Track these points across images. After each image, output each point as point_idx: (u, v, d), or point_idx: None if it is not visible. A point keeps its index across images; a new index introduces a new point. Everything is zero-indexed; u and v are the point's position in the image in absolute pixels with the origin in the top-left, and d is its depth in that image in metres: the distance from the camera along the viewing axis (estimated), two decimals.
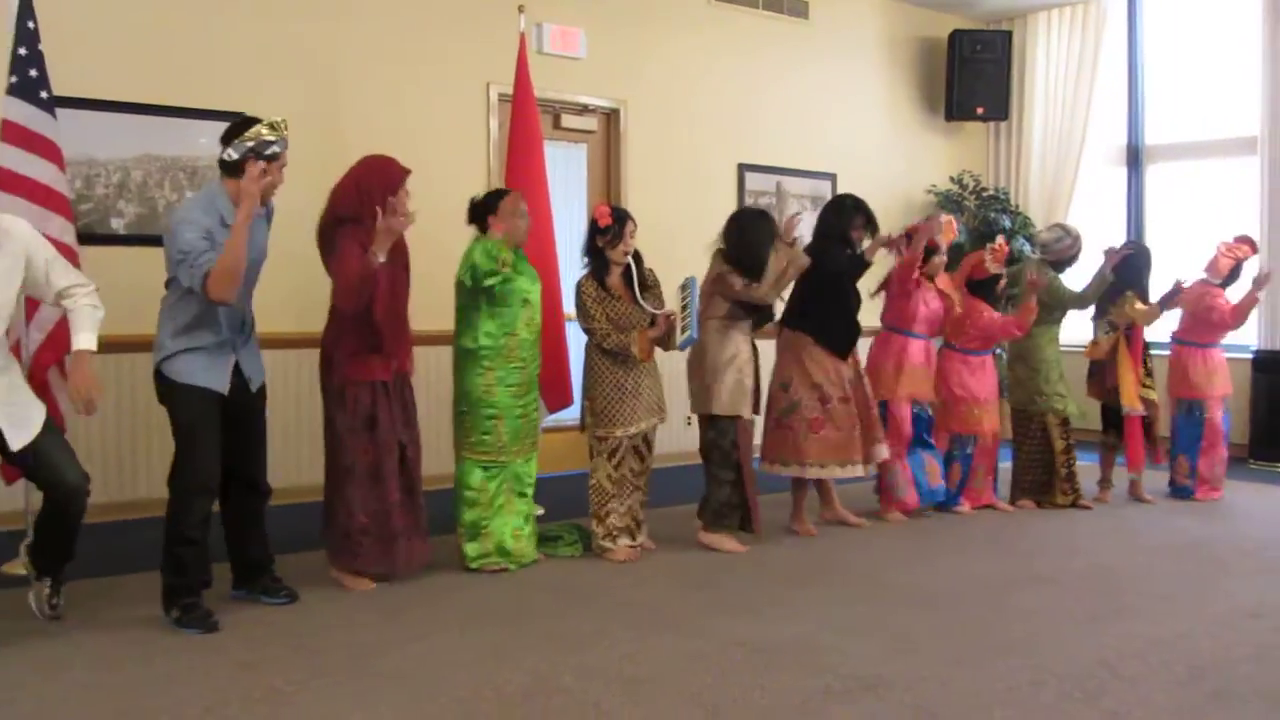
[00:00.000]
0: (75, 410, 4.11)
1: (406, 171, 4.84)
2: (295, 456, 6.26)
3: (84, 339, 4.11)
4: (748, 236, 5.67)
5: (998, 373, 6.94)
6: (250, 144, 4.34)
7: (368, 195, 4.74)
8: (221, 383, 4.45)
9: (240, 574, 4.79)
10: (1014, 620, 4.55)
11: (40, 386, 5.10)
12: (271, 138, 4.36)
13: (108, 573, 4.96)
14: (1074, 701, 3.65)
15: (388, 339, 4.83)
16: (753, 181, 8.83)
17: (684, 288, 5.45)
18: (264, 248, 4.57)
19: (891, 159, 9.69)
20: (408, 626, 4.41)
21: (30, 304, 5.09)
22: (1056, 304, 6.80)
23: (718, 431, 5.70)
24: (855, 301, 6.12)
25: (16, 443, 4.08)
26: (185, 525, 4.39)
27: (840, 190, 8.89)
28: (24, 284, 4.14)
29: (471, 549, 5.23)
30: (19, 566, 4.57)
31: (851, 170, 9.25)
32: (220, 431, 4.48)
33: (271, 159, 4.37)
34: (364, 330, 4.81)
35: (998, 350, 6.73)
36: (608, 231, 5.41)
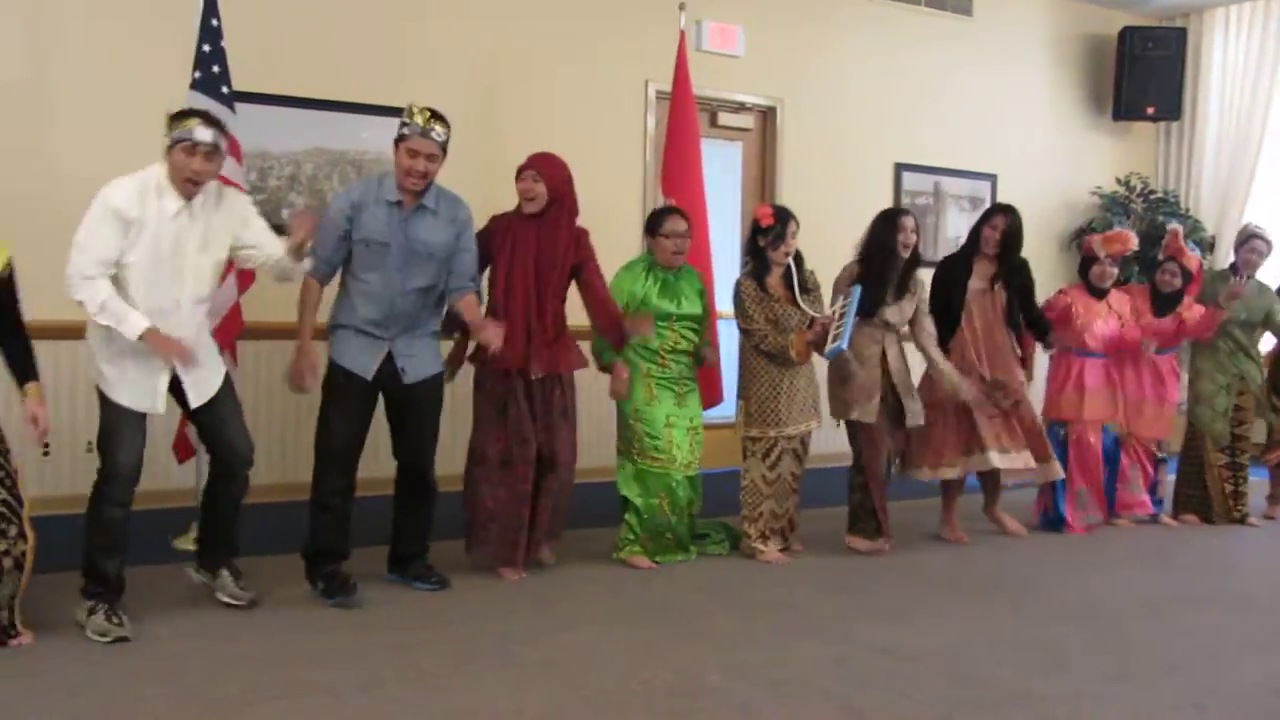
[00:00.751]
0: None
1: (525, 164, 4.95)
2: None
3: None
4: (868, 238, 5.64)
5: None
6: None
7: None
8: (366, 367, 4.58)
9: (392, 558, 4.92)
10: (1175, 639, 4.40)
11: None
12: (404, 120, 4.54)
13: (275, 551, 5.13)
14: None
15: (516, 332, 4.87)
16: (910, 181, 8.70)
17: (845, 296, 5.40)
18: (428, 241, 4.63)
19: (1055, 160, 9.43)
20: (556, 617, 4.47)
21: None
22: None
23: (851, 435, 5.68)
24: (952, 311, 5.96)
25: (195, 400, 4.26)
26: (319, 492, 4.58)
27: (1000, 194, 8.70)
28: (237, 253, 4.35)
29: (625, 545, 5.31)
30: (188, 542, 4.76)
31: (1013, 171, 9.03)
32: (367, 411, 4.64)
33: (400, 140, 4.54)
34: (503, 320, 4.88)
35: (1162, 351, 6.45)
36: (769, 232, 5.39)
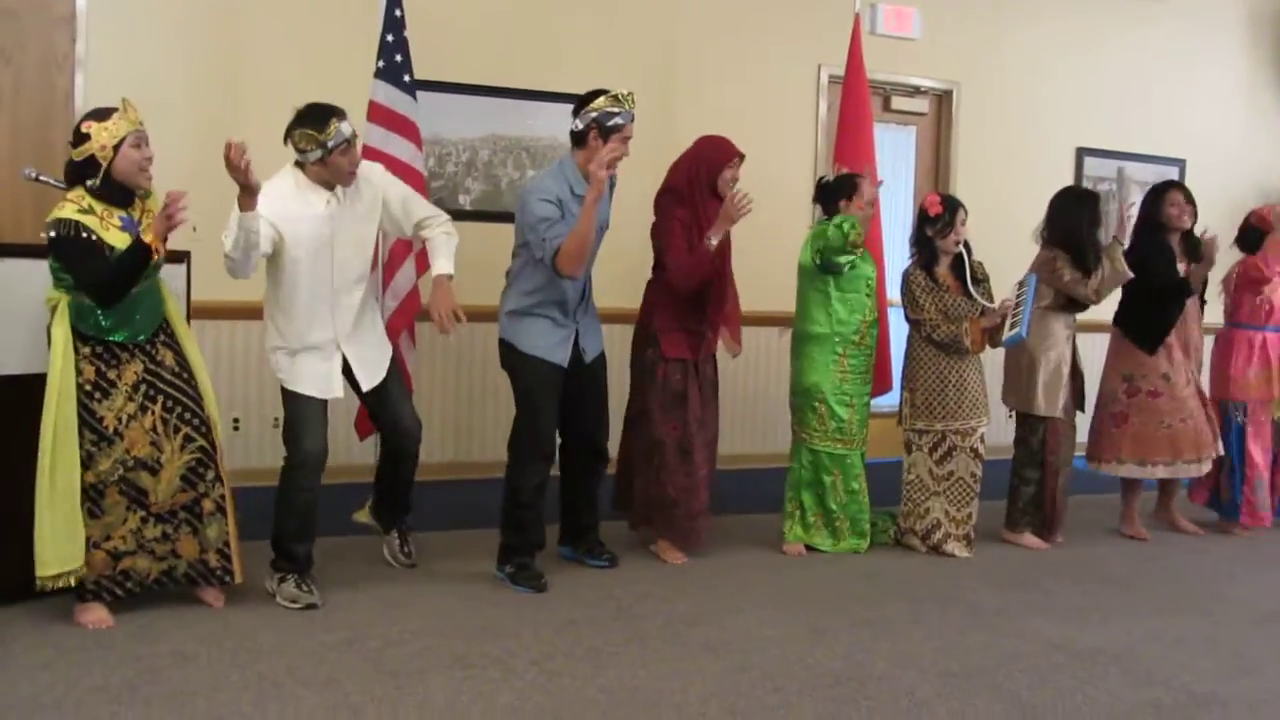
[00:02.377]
0: (439, 330, 4.29)
1: (738, 153, 4.91)
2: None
3: (442, 264, 4.37)
4: (1060, 220, 5.48)
5: None
6: (594, 115, 4.49)
7: (696, 170, 4.87)
8: (562, 356, 4.64)
9: (568, 533, 5.01)
10: None
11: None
12: (614, 110, 4.48)
13: (448, 528, 5.29)
14: None
15: (713, 317, 4.93)
16: (1092, 167, 8.41)
17: (1022, 284, 5.27)
18: (606, 219, 4.70)
19: (1249, 145, 8.97)
20: (722, 600, 4.49)
21: (387, 272, 5.50)
22: None
23: (1028, 429, 5.55)
24: (1173, 297, 5.70)
25: (366, 383, 4.42)
26: (523, 489, 4.61)
27: (1189, 179, 8.35)
28: (383, 222, 4.43)
29: (792, 529, 5.29)
30: (367, 516, 4.93)
31: (1202, 157, 8.64)
32: (560, 400, 4.69)
33: (613, 130, 4.48)
34: (682, 307, 4.91)
35: None
36: (938, 221, 5.28)
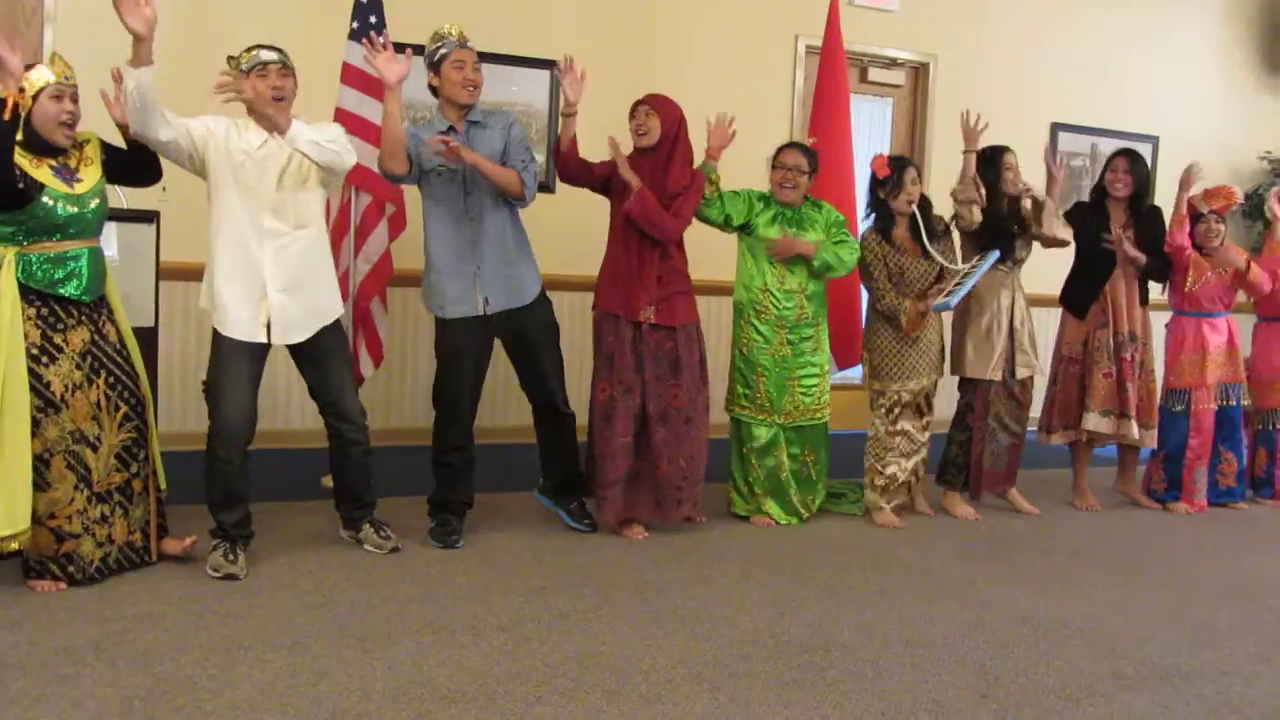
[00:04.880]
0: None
1: (639, 102, 4.90)
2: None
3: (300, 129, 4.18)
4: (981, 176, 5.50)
5: None
6: (425, 59, 4.61)
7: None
8: (466, 309, 4.61)
9: (547, 484, 5.03)
10: None
11: (362, 315, 5.49)
12: (436, 44, 4.59)
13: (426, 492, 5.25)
14: None
15: (628, 274, 4.85)
16: (1066, 142, 8.43)
17: (981, 257, 5.29)
18: (496, 152, 4.62)
19: (1223, 122, 9.01)
20: (691, 569, 4.51)
21: (359, 236, 5.46)
22: None
23: (962, 390, 5.64)
24: (1100, 261, 5.76)
25: (279, 337, 4.20)
26: (439, 448, 4.68)
27: (1162, 156, 8.38)
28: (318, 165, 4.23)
29: (737, 501, 5.32)
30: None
31: (1176, 133, 8.67)
32: (511, 356, 4.72)
33: (441, 60, 4.56)
34: (617, 260, 4.88)
35: None
36: (886, 182, 5.29)
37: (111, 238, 4.51)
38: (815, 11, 6.65)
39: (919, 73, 7.96)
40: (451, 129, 4.59)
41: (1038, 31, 8.23)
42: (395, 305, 6.05)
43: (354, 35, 5.41)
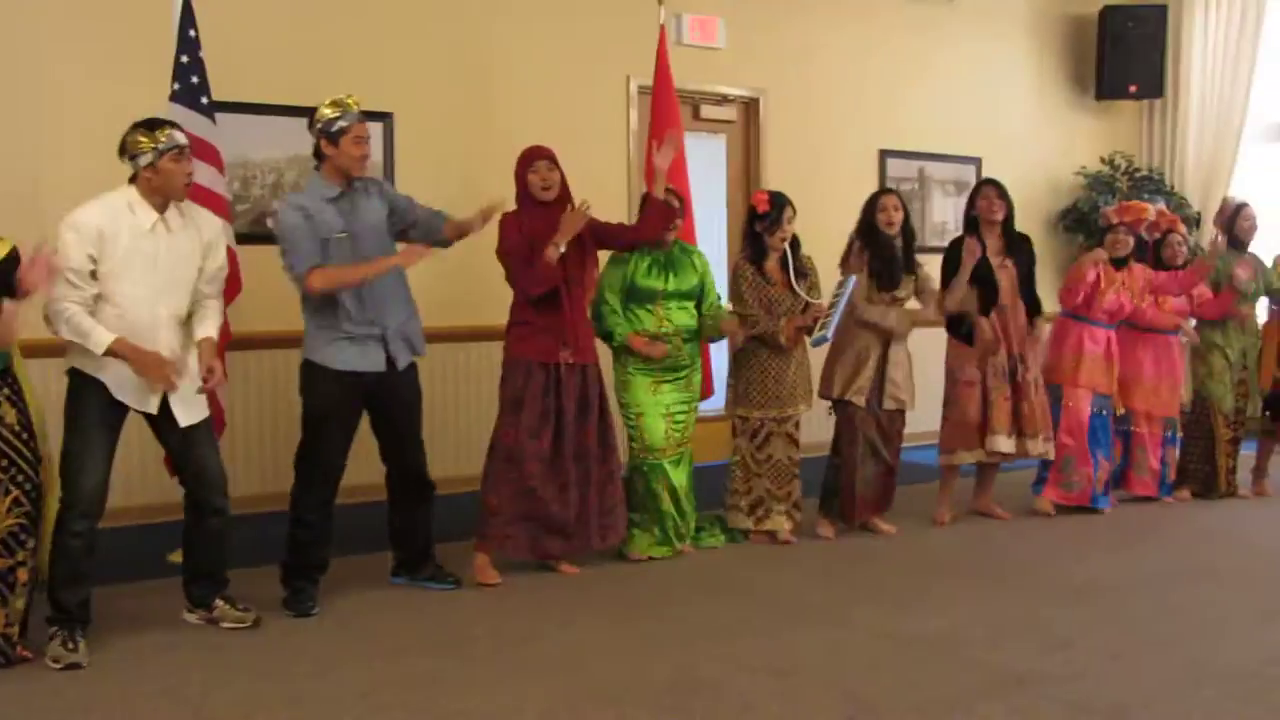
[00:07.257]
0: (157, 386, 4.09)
1: (540, 154, 4.93)
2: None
3: (208, 328, 4.26)
4: (861, 218, 5.72)
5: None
6: (319, 125, 4.52)
7: (516, 183, 4.94)
8: (363, 364, 4.52)
9: (403, 562, 4.90)
10: (1173, 615, 4.41)
11: None
12: (335, 115, 4.50)
13: (260, 563, 5.05)
14: (1236, 700, 3.52)
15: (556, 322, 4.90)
16: (894, 168, 8.69)
17: (841, 284, 5.43)
18: (377, 224, 4.62)
19: (1039, 141, 9.41)
20: (552, 614, 4.47)
21: None
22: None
23: (836, 414, 5.73)
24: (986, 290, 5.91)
25: (185, 420, 4.16)
26: (300, 507, 4.56)
27: (985, 174, 8.68)
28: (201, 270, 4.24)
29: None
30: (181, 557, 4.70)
31: (997, 154, 9.00)
32: (374, 424, 4.62)
33: (340, 134, 4.48)
34: (524, 310, 4.91)
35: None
36: (766, 218, 5.45)
37: None
38: (645, 51, 6.74)
39: (749, 108, 8.11)
40: (342, 194, 4.54)
41: (862, 63, 8.47)
42: (234, 370, 5.88)
43: (176, 97, 5.27)
